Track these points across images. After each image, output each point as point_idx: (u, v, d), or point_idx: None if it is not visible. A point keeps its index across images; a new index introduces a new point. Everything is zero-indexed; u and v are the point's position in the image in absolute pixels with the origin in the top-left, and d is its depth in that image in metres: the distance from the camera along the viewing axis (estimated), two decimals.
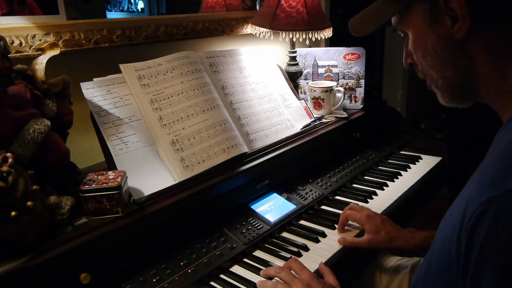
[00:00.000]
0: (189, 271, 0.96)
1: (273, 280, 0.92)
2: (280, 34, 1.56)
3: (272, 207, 1.23)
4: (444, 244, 0.61)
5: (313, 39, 1.58)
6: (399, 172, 1.52)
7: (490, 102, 0.68)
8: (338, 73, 1.69)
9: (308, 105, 1.56)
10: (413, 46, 0.72)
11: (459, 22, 0.62)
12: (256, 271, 1.00)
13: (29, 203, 0.78)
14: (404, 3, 0.70)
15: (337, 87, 1.60)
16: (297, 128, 1.44)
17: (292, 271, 0.93)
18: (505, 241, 0.51)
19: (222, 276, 0.99)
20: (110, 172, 0.97)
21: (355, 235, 1.14)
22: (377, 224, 1.09)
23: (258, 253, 1.08)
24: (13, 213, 0.76)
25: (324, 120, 1.55)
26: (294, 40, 1.62)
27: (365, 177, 1.50)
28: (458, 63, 0.66)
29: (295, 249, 1.07)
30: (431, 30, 0.67)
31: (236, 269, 1.02)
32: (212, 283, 0.97)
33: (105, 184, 0.92)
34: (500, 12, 0.61)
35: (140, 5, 1.61)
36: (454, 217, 0.60)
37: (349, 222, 1.17)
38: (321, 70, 1.72)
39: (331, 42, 2.11)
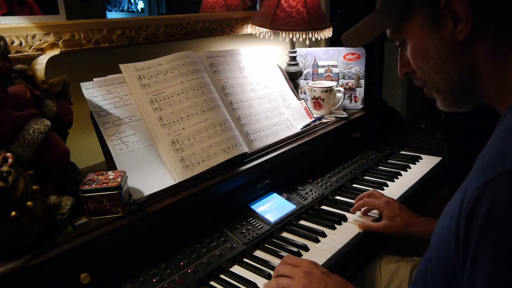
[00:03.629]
0: (189, 271, 0.96)
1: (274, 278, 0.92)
2: (280, 34, 1.56)
3: (272, 207, 1.23)
4: (443, 234, 0.62)
5: (313, 39, 1.58)
6: (399, 172, 1.52)
7: (490, 100, 0.69)
8: (338, 73, 1.69)
9: (308, 105, 1.56)
10: (413, 52, 0.73)
11: (462, 23, 0.64)
12: (256, 271, 1.00)
13: (29, 203, 0.78)
14: (402, 12, 0.71)
15: (337, 87, 1.60)
16: (297, 128, 1.44)
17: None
18: (505, 219, 0.51)
19: (222, 276, 0.99)
20: (110, 172, 0.97)
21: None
22: (394, 210, 1.13)
23: (258, 253, 1.08)
24: (13, 213, 0.76)
25: (324, 120, 1.55)
26: (294, 40, 1.62)
27: (365, 177, 1.50)
28: (461, 63, 0.67)
29: (295, 249, 1.07)
30: (433, 34, 0.68)
31: (236, 269, 1.02)
32: (212, 283, 0.97)
33: (105, 184, 0.92)
34: (499, 11, 0.63)
35: (140, 5, 1.61)
36: (453, 207, 0.60)
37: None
38: (321, 70, 1.72)
39: (331, 42, 2.11)
